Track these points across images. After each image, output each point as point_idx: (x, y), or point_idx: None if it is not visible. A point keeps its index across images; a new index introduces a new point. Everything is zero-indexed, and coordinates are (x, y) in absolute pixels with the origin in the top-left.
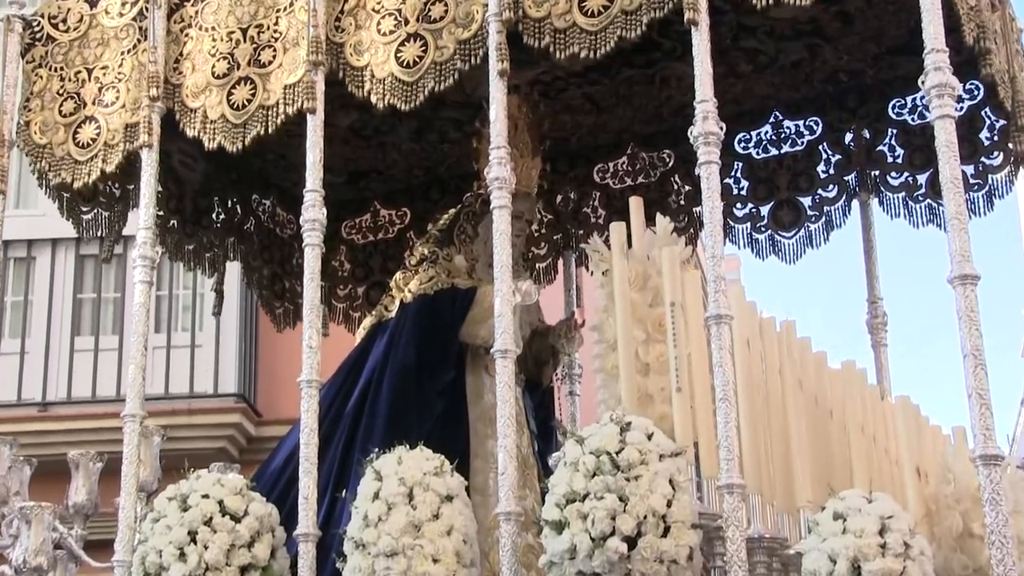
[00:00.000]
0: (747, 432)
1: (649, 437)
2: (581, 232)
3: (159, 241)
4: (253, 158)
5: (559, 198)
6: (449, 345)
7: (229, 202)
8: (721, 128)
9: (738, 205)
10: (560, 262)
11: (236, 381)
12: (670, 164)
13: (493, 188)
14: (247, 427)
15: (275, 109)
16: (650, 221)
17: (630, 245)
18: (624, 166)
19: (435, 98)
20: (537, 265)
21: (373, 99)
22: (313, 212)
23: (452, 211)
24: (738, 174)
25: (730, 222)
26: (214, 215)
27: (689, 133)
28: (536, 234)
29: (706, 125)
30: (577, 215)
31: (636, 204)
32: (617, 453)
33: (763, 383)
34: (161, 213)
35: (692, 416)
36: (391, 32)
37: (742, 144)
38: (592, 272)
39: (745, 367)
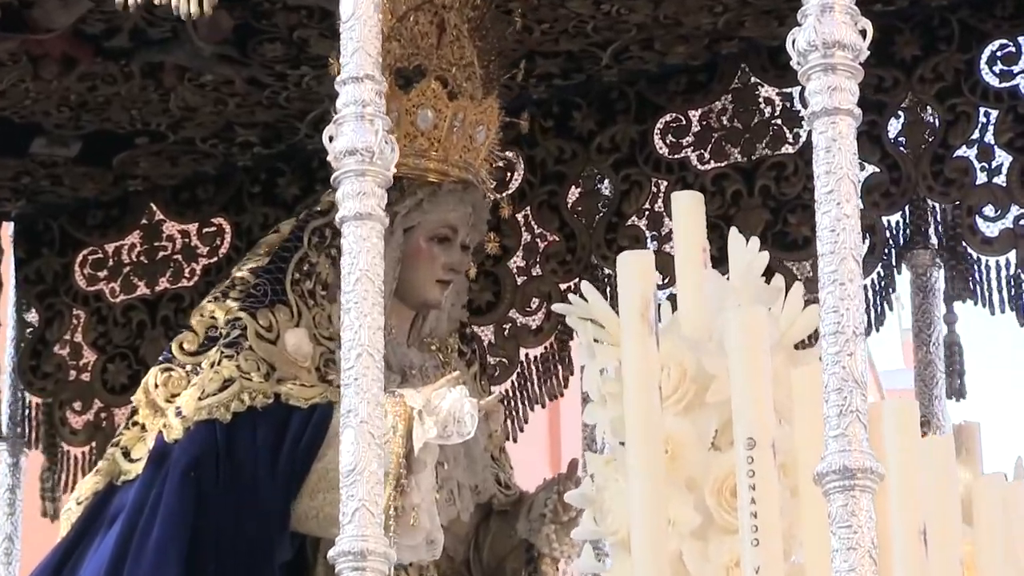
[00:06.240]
0: None
1: None
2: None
3: None
4: None
5: (575, 192)
6: (265, 542)
7: None
8: (863, 32)
9: (988, 209)
10: (573, 340)
11: None
12: None
13: (342, 174)
14: None
15: None
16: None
17: (673, 306)
18: (724, 119)
19: None
20: (523, 351)
21: None
22: None
23: (283, 225)
24: (989, 137)
25: (968, 248)
26: None
27: (789, 45)
28: (520, 278)
29: (824, 26)
30: (615, 231)
31: (686, 202)
32: None
33: None
34: None
35: None
36: None
37: (993, 67)
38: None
39: None
